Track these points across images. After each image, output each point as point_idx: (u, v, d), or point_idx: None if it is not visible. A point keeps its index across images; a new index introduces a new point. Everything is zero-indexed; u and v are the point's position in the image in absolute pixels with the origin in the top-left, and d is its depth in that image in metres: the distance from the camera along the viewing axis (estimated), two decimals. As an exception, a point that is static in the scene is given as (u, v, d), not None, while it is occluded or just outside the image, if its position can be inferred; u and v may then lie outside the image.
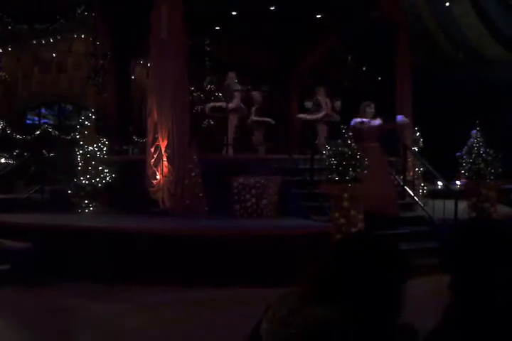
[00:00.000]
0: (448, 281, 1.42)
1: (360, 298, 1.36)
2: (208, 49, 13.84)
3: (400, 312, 1.40)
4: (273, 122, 10.45)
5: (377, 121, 8.03)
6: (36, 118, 10.71)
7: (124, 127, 10.14)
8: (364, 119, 7.97)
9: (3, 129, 9.50)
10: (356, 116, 8.05)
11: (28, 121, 10.37)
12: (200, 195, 8.18)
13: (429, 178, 9.29)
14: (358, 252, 1.43)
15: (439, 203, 7.60)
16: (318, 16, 11.68)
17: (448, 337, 1.36)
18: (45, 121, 10.50)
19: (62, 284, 5.94)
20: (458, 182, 8.74)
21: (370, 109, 8.05)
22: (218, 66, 12.86)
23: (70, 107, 10.93)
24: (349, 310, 1.34)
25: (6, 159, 8.87)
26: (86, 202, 8.28)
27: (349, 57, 13.54)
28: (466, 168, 7.90)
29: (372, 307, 1.36)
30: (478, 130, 8.11)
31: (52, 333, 4.61)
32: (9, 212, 7.59)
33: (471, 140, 8.09)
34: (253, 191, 8.01)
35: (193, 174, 8.25)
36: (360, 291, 1.37)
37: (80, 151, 8.54)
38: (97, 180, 8.36)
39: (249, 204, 7.99)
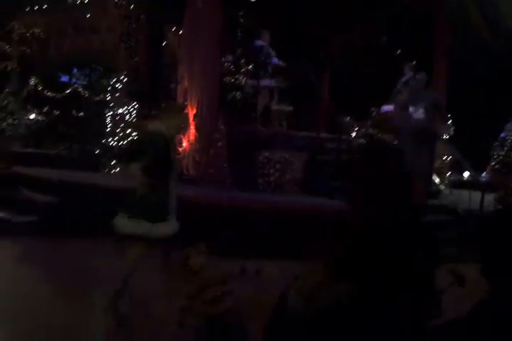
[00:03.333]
0: (480, 268, 1.42)
1: (378, 276, 1.38)
2: (242, 21, 13.65)
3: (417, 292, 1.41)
4: (290, 109, 10.12)
5: (408, 110, 7.89)
6: (67, 77, 10.74)
7: (154, 92, 10.13)
8: (390, 109, 7.86)
9: (35, 86, 9.55)
10: (387, 103, 7.97)
11: (59, 80, 10.41)
12: (225, 165, 8.21)
13: (456, 168, 9.18)
14: (379, 235, 1.43)
15: (464, 194, 7.54)
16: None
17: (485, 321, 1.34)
18: (76, 81, 10.52)
19: (82, 239, 6.06)
20: (484, 174, 8.65)
21: (401, 96, 7.95)
22: (251, 39, 12.69)
23: (101, 69, 10.93)
24: (368, 288, 1.36)
25: (36, 115, 8.95)
26: (112, 162, 8.37)
27: (384, 38, 13.25)
28: (498, 160, 7.79)
29: (392, 288, 1.37)
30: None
31: (70, 285, 4.73)
32: (38, 167, 7.69)
33: (504, 133, 7.97)
34: (277, 166, 8.02)
35: (219, 144, 8.26)
36: (378, 270, 1.38)
37: (110, 113, 8.57)
38: (125, 142, 8.42)
39: (272, 178, 8.01)
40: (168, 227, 4.22)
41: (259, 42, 9.54)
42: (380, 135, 6.94)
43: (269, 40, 9.71)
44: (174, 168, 4.30)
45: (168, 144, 4.09)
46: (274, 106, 10.13)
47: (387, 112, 7.80)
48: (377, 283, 1.36)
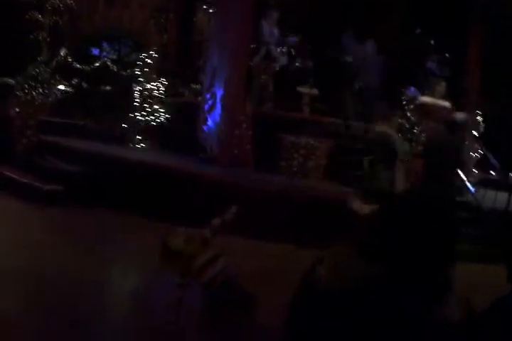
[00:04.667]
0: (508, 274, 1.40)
1: (407, 257, 1.37)
2: (273, 3, 13.50)
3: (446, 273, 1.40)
4: (316, 92, 10.00)
5: (444, 103, 7.81)
6: (97, 50, 10.75)
7: (183, 69, 10.12)
8: (429, 101, 7.75)
9: (65, 57, 9.58)
10: (425, 94, 7.86)
11: (89, 52, 10.43)
12: (248, 147, 8.19)
13: (482, 166, 9.03)
14: (407, 212, 1.43)
15: (490, 193, 7.41)
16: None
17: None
18: (106, 54, 10.53)
19: (106, 210, 6.13)
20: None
21: (440, 87, 7.82)
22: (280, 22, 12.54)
23: (130, 44, 10.93)
24: (396, 268, 1.35)
25: (65, 86, 8.99)
26: (138, 138, 8.41)
27: (418, 29, 13.01)
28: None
29: (420, 267, 1.36)
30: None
31: (83, 251, 4.81)
32: (66, 136, 7.76)
33: None
34: (302, 151, 7.98)
35: (244, 125, 8.23)
36: (407, 250, 1.37)
37: (138, 88, 8.58)
38: (151, 118, 8.44)
39: (295, 163, 7.98)
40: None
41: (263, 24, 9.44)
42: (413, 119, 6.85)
43: (275, 20, 9.62)
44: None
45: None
46: (300, 89, 10.03)
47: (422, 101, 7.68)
48: (405, 262, 1.37)
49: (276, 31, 9.77)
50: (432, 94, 8.10)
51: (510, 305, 1.33)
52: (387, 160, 5.51)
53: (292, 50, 10.00)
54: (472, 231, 6.83)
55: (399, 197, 1.67)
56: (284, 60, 9.85)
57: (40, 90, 8.03)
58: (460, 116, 7.50)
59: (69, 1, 11.51)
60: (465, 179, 8.20)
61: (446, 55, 10.80)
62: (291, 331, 1.49)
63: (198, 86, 9.61)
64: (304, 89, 9.90)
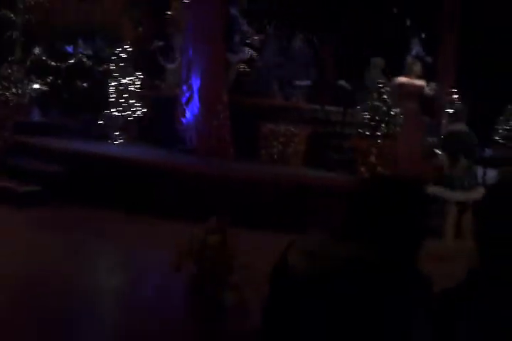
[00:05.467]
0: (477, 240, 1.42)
1: (384, 237, 1.38)
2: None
3: (416, 257, 1.43)
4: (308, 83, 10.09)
5: (420, 82, 7.84)
6: (71, 47, 10.65)
7: (158, 62, 10.05)
8: (406, 81, 7.77)
9: (39, 55, 9.48)
10: (401, 75, 7.87)
11: (63, 49, 10.32)
12: (227, 136, 8.20)
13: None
14: (383, 192, 1.44)
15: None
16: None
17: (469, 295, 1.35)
18: (80, 50, 10.43)
19: (86, 208, 6.12)
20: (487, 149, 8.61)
21: (417, 67, 7.83)
22: (254, 11, 12.47)
23: (104, 38, 10.83)
24: (375, 249, 1.36)
25: (40, 85, 8.91)
26: (116, 133, 8.38)
27: (394, 9, 12.98)
28: (503, 134, 7.74)
29: (396, 246, 1.38)
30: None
31: (72, 252, 4.82)
32: (42, 136, 7.72)
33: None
34: (281, 138, 8.01)
35: (221, 115, 8.23)
36: (384, 231, 1.39)
37: (114, 83, 8.52)
38: (128, 112, 8.41)
39: (275, 150, 8.01)
40: (476, 193, 5.73)
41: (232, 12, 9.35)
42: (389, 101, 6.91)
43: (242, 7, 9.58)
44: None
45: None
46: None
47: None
48: (382, 244, 1.38)
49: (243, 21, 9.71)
50: (408, 74, 8.09)
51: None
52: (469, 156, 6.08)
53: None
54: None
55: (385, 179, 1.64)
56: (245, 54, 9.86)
57: (15, 90, 7.96)
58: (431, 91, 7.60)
59: (40, -1, 11.37)
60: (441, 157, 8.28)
61: (423, 35, 10.85)
62: (269, 325, 1.47)
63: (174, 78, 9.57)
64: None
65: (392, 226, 1.40)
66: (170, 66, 9.57)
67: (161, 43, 9.94)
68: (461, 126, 6.14)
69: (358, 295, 1.33)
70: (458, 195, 5.89)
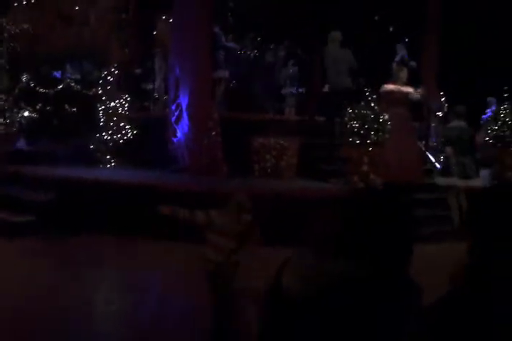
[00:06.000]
0: (468, 246, 1.42)
1: (372, 253, 1.40)
2: (231, 5, 13.51)
3: (407, 266, 1.44)
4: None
5: (407, 88, 7.90)
6: (58, 72, 10.70)
7: (146, 83, 10.11)
8: (394, 88, 7.83)
9: (27, 83, 9.53)
10: (388, 81, 7.94)
11: (51, 75, 10.38)
12: (219, 153, 8.21)
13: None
14: (370, 209, 1.45)
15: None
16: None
17: (462, 301, 1.36)
18: (68, 75, 10.48)
19: (82, 236, 6.11)
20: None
21: (403, 73, 7.89)
22: (242, 23, 12.57)
23: (92, 62, 10.89)
24: (364, 265, 1.37)
25: (29, 112, 8.95)
26: (107, 157, 8.39)
27: (376, 17, 13.10)
28: (492, 135, 7.77)
29: (383, 262, 1.40)
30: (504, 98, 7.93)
31: (69, 283, 4.78)
32: (33, 164, 7.73)
33: (492, 108, 8.06)
34: (273, 152, 8.02)
35: (213, 133, 8.25)
36: (371, 247, 1.40)
37: (102, 107, 8.56)
38: (119, 136, 8.43)
39: (268, 164, 8.02)
40: (477, 181, 6.93)
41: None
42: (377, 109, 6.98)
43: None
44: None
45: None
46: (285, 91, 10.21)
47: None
48: (374, 262, 1.39)
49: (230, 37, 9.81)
50: (395, 81, 8.16)
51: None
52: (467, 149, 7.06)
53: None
54: (447, 211, 6.93)
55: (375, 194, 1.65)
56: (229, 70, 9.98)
57: (2, 120, 7.99)
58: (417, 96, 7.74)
59: (25, 26, 11.45)
60: (433, 160, 8.31)
61: (406, 40, 10.92)
62: None
63: (165, 98, 9.63)
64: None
65: (381, 238, 1.41)
66: (149, 87, 9.66)
67: (139, 70, 10.06)
68: (460, 123, 7.16)
69: (351, 310, 1.33)
70: (461, 182, 6.97)
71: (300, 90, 10.90)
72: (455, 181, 7.06)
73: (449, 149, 7.12)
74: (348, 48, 8.50)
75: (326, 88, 8.98)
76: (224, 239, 3.64)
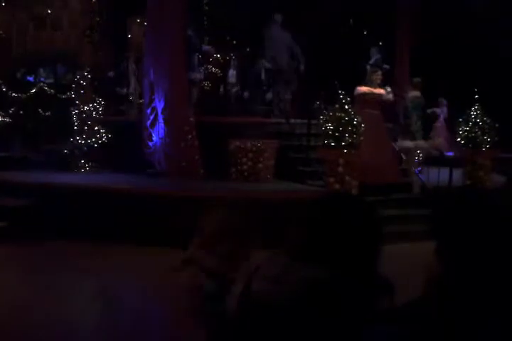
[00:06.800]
0: (435, 247, 1.44)
1: (341, 256, 1.40)
2: (207, 8, 13.50)
3: (377, 268, 1.45)
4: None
5: (381, 90, 8.00)
6: (31, 76, 10.55)
7: (120, 87, 10.02)
8: (367, 90, 7.93)
9: (-1, 87, 9.38)
10: (361, 84, 8.03)
11: (23, 79, 10.22)
12: (196, 157, 8.20)
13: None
14: (334, 211, 1.47)
15: (434, 171, 7.67)
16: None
17: (429, 307, 1.38)
18: (41, 79, 10.34)
19: (57, 241, 6.02)
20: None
21: (377, 76, 7.99)
22: (216, 27, 12.57)
23: (65, 65, 10.76)
24: (334, 269, 1.38)
25: (1, 117, 8.80)
26: (82, 161, 8.30)
27: (351, 21, 13.25)
28: (463, 136, 7.92)
29: (353, 265, 1.40)
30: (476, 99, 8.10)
31: (47, 289, 4.72)
32: (5, 170, 7.60)
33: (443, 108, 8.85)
34: (250, 154, 8.04)
35: (189, 136, 8.23)
36: (340, 250, 1.40)
37: (76, 111, 8.47)
38: (93, 140, 8.35)
39: (245, 167, 8.03)
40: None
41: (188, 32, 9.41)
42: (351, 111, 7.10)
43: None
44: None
45: None
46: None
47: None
48: (344, 264, 1.39)
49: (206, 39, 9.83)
50: (368, 84, 8.26)
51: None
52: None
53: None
54: (421, 210, 7.03)
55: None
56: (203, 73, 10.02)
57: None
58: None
59: (-4, 30, 11.26)
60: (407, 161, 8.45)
61: (380, 43, 11.09)
62: None
63: (140, 101, 9.57)
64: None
65: (347, 240, 1.41)
66: (122, 91, 9.59)
67: (111, 73, 9.98)
68: (416, 93, 8.64)
69: (320, 315, 1.34)
70: (419, 143, 8.46)
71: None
72: (418, 143, 8.52)
73: (414, 115, 8.47)
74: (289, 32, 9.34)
75: (266, 64, 9.71)
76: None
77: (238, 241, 2.73)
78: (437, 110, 11.03)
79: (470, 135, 7.87)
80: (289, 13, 10.89)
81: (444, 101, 11.04)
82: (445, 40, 11.24)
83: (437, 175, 7.50)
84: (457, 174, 7.80)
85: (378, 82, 8.16)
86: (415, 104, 9.04)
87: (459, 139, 8.05)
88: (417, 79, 9.17)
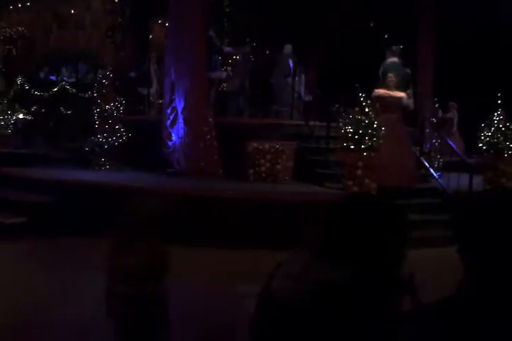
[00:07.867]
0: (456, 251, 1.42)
1: (361, 256, 1.41)
2: (228, 10, 13.55)
3: (398, 269, 1.44)
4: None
5: (399, 93, 7.95)
6: (54, 75, 10.69)
7: (142, 87, 10.12)
8: (385, 93, 7.87)
9: (22, 85, 9.52)
10: (377, 86, 7.97)
11: (46, 78, 10.36)
12: (215, 157, 8.22)
13: (446, 151, 9.21)
14: (354, 212, 1.46)
15: (454, 176, 7.57)
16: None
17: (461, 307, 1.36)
18: (64, 78, 10.48)
19: (75, 238, 6.06)
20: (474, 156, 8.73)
21: (390, 79, 7.93)
22: (237, 28, 12.61)
23: (87, 65, 10.89)
24: (355, 269, 1.39)
25: (24, 115, 8.93)
26: (102, 159, 8.38)
27: (371, 24, 13.19)
28: (485, 141, 7.81)
29: (373, 265, 1.41)
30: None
31: (62, 285, 4.74)
32: (27, 167, 7.70)
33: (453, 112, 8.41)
34: (268, 156, 8.03)
35: (208, 137, 8.26)
36: (360, 250, 1.41)
37: (97, 110, 8.56)
38: (113, 138, 8.42)
39: (263, 168, 8.02)
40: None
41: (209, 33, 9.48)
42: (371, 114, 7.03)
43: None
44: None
45: None
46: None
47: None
48: (363, 263, 1.40)
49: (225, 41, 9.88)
50: (384, 86, 8.20)
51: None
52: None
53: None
54: (441, 215, 6.95)
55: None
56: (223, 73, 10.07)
57: (-3, 122, 7.97)
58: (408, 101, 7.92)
59: (21, 29, 11.45)
60: (428, 166, 8.36)
61: (401, 46, 11.00)
62: None
63: (160, 101, 9.64)
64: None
65: (365, 242, 1.41)
66: (144, 91, 9.67)
67: (132, 74, 10.08)
68: (394, 59, 8.56)
69: (338, 314, 1.34)
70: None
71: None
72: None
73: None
74: None
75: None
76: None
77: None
78: (450, 114, 10.88)
79: (492, 140, 7.76)
80: (311, 9, 10.92)
81: (455, 105, 10.88)
82: (467, 45, 11.13)
83: (457, 181, 7.40)
84: (477, 180, 7.68)
85: (392, 84, 8.09)
86: (394, 67, 8.58)
87: (480, 145, 7.94)
88: (396, 47, 8.95)
